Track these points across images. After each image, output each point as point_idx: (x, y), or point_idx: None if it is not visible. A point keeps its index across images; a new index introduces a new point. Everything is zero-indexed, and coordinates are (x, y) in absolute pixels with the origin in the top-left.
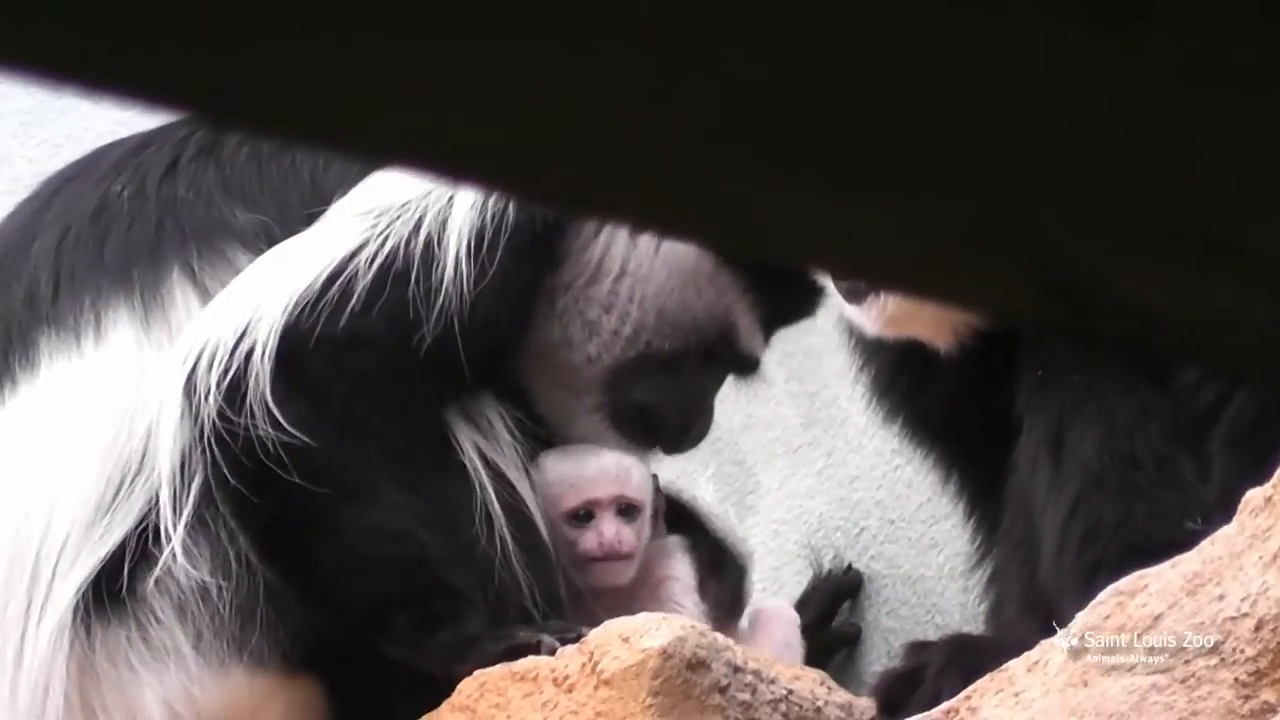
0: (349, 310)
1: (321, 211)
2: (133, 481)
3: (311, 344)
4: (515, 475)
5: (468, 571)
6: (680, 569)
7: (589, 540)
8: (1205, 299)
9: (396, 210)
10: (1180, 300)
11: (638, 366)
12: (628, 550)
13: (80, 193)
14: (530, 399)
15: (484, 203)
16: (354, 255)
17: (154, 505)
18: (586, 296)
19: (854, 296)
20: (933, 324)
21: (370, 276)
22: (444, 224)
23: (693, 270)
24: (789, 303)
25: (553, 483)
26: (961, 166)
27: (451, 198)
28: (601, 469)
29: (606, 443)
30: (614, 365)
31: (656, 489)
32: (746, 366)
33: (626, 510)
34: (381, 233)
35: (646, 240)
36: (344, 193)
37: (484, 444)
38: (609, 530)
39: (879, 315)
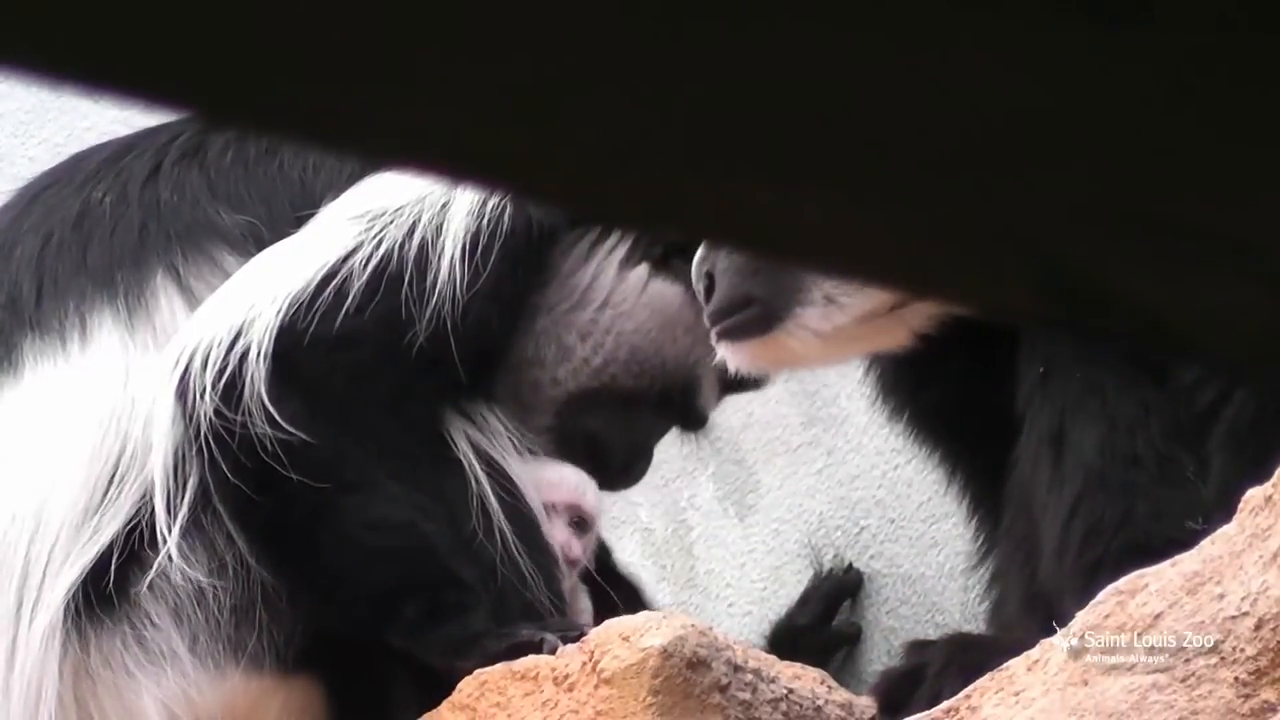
0: (343, 311)
1: (311, 214)
2: (121, 483)
3: (305, 343)
4: (513, 473)
5: (473, 563)
6: (589, 605)
7: None
8: (1206, 299)
9: (390, 215)
10: (1181, 300)
11: (596, 397)
12: (573, 558)
13: (60, 200)
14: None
15: (480, 208)
16: (348, 258)
17: (144, 507)
18: (567, 321)
19: (733, 334)
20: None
21: (364, 279)
22: (439, 228)
23: (674, 316)
24: None
25: None
26: (961, 166)
27: (445, 203)
28: (563, 476)
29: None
30: (575, 391)
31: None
32: (696, 422)
33: (578, 524)
34: (376, 236)
35: (635, 276)
36: (334, 195)
37: (482, 441)
38: (560, 534)
39: (754, 357)
